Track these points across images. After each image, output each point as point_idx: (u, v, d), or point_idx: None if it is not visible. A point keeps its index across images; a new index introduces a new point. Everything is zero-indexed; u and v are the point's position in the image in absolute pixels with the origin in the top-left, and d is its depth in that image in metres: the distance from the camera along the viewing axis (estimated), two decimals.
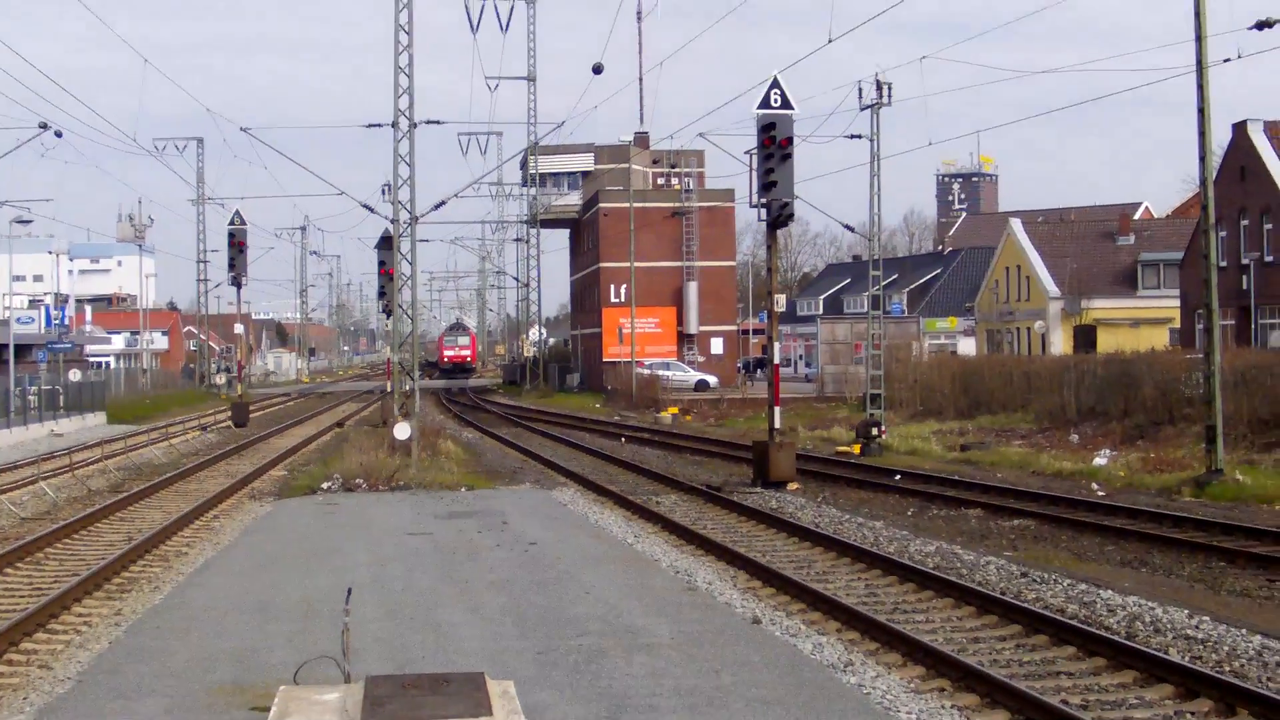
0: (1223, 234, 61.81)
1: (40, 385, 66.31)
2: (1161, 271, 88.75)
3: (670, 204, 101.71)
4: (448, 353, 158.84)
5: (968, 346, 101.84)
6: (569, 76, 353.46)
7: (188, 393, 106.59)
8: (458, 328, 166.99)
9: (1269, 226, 62.51)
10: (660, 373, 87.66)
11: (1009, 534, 27.70)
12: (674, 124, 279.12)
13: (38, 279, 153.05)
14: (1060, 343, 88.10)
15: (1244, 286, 62.26)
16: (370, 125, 49.32)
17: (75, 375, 73.92)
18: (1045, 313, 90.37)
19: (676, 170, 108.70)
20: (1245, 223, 63.45)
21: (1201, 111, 33.51)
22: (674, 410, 71.51)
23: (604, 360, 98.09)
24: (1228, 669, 15.71)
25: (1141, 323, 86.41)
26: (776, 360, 37.57)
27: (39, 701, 14.52)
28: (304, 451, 51.90)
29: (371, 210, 53.22)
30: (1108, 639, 16.68)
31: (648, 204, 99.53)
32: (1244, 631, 17.46)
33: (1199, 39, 33.31)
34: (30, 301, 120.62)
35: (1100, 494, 33.62)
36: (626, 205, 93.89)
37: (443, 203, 54.53)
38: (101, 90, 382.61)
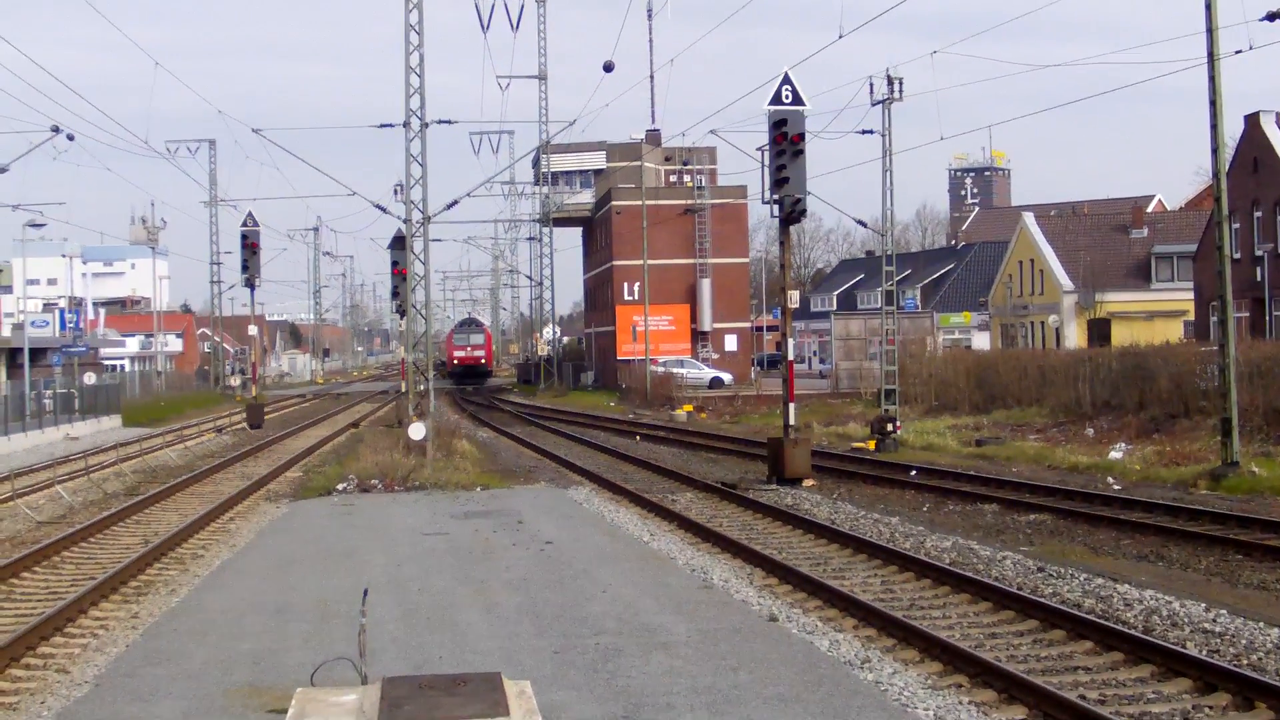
0: (1236, 226, 61.62)
1: (55, 389, 66.36)
2: (1175, 264, 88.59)
3: (683, 201, 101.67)
4: (458, 353, 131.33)
5: (982, 341, 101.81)
6: (580, 75, 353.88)
7: (202, 395, 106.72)
8: (470, 324, 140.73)
9: None
10: (674, 370, 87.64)
11: (1025, 528, 27.66)
12: (686, 121, 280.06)
13: (51, 282, 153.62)
14: (1074, 336, 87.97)
15: (1258, 278, 62.13)
16: (382, 125, 49.32)
17: (90, 378, 73.98)
18: (1059, 306, 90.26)
19: (689, 167, 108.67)
20: (1259, 214, 63.27)
21: (1213, 103, 33.46)
22: (689, 408, 71.48)
23: (618, 358, 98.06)
24: (1245, 662, 15.68)
25: (1156, 315, 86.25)
26: (791, 357, 37.55)
27: (56, 705, 14.54)
28: (319, 452, 51.93)
29: (384, 210, 53.11)
30: (1125, 633, 16.65)
31: (660, 201, 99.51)
32: (1262, 624, 17.42)
33: (1210, 30, 33.25)
34: (44, 305, 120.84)
35: (1116, 488, 33.55)
36: (639, 203, 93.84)
37: (455, 202, 54.57)
38: (113, 93, 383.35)
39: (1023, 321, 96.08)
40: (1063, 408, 52.16)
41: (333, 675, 12.89)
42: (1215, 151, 34.15)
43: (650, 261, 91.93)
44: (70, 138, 54.68)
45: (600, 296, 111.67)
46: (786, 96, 35.13)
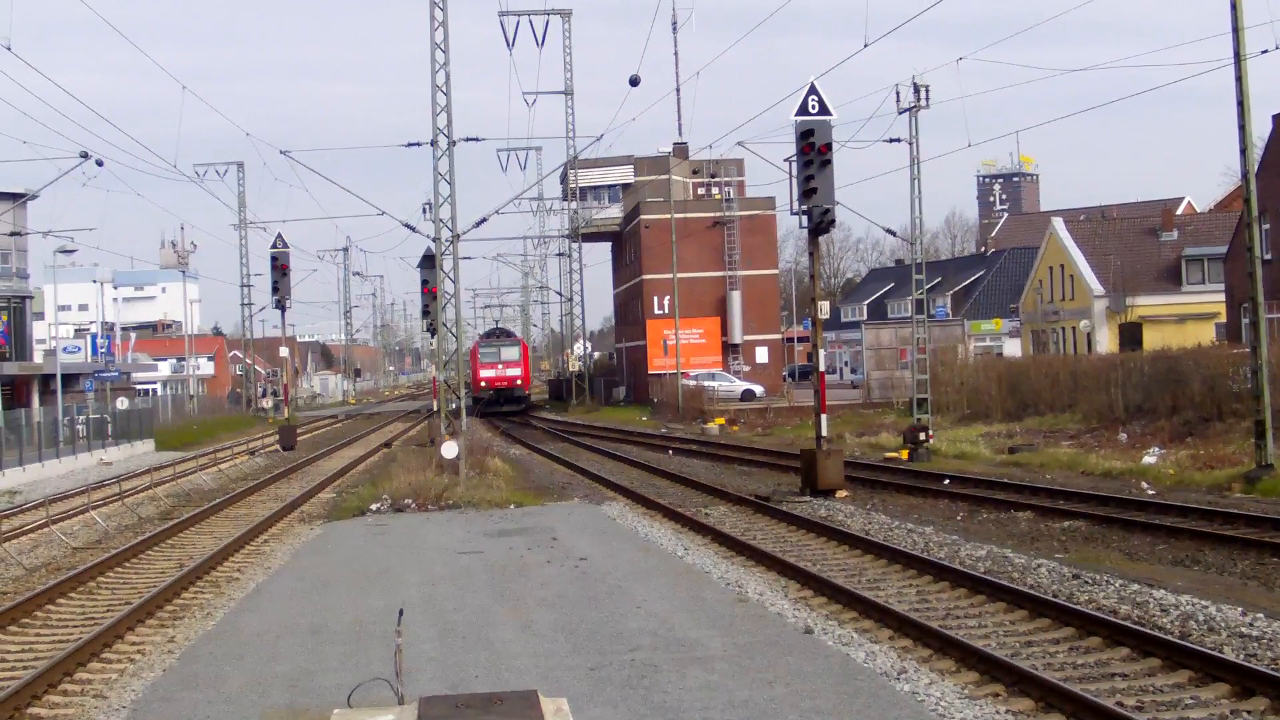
0: (1266, 226, 61.31)
1: (88, 414, 66.68)
2: (1206, 266, 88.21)
3: (711, 214, 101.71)
4: (485, 373, 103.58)
5: (1013, 348, 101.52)
6: (606, 89, 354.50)
7: (235, 417, 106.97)
8: (499, 335, 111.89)
9: None
10: (706, 383, 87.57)
11: (1059, 536, 27.57)
12: (712, 133, 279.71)
13: (83, 308, 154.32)
14: (1106, 341, 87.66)
15: None
16: (410, 144, 49.27)
17: (123, 403, 74.26)
18: (1090, 311, 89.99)
19: (716, 180, 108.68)
20: None
21: (1241, 104, 33.35)
22: (720, 421, 71.45)
23: (649, 372, 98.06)
24: None
25: (1187, 318, 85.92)
26: (822, 368, 37.50)
27: None
28: (352, 473, 52.03)
29: (413, 229, 53.28)
30: (1162, 639, 16.59)
31: (689, 214, 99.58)
32: None
33: (1236, 31, 33.17)
34: (76, 331, 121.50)
35: (1150, 493, 33.43)
36: (668, 216, 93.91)
37: (484, 219, 54.92)
38: (141, 118, 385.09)
39: (1054, 327, 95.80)
40: (1095, 413, 51.95)
41: (369, 696, 12.93)
42: (1243, 152, 34.02)
43: (680, 275, 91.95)
44: (99, 163, 55.03)
45: (630, 311, 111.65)
46: (813, 106, 35.11)
